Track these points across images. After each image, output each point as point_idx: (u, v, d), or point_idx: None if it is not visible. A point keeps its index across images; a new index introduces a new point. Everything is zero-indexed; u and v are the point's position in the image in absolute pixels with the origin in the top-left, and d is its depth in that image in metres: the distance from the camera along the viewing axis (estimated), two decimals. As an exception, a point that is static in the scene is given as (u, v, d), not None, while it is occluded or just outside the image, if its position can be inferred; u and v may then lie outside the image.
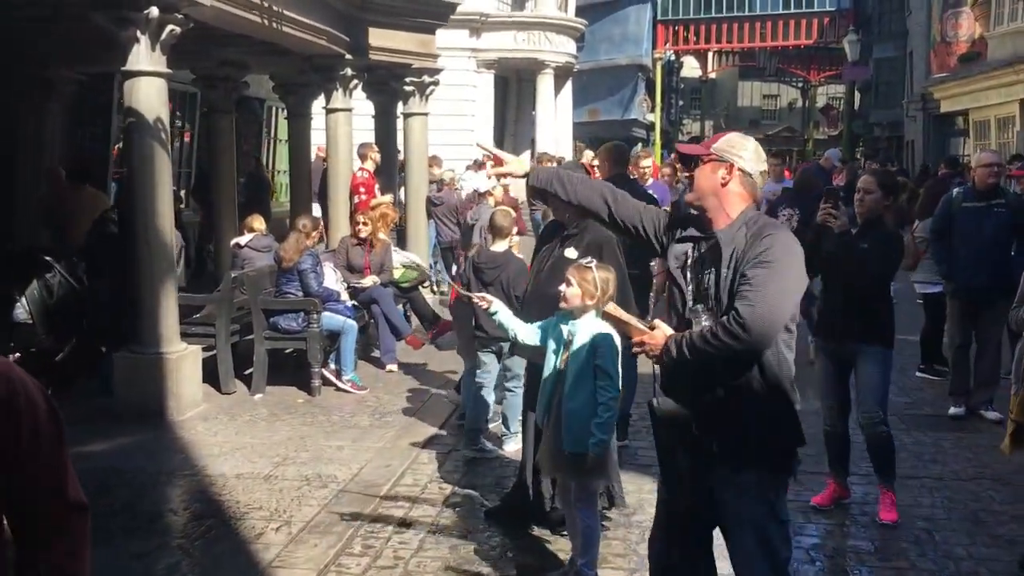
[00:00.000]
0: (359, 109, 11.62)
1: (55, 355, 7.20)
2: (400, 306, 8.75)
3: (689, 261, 2.93)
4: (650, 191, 7.46)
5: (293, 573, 4.23)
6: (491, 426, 6.16)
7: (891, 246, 4.88)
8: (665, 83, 33.79)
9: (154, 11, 6.38)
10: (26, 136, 10.45)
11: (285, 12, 8.16)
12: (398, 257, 8.98)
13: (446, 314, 8.33)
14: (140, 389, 6.63)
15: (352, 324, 7.52)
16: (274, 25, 8.04)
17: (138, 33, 6.45)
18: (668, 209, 3.21)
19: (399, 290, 8.78)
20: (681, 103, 50.76)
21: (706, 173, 2.92)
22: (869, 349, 4.78)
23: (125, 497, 5.19)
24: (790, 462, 2.90)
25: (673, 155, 14.00)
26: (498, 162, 3.25)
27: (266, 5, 7.74)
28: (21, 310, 7.01)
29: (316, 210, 11.24)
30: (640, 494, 5.02)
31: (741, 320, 2.66)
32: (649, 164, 9.93)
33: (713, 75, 50.23)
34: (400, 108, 12.19)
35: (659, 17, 41.95)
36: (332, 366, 7.58)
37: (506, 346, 5.66)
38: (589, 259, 3.98)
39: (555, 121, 22.94)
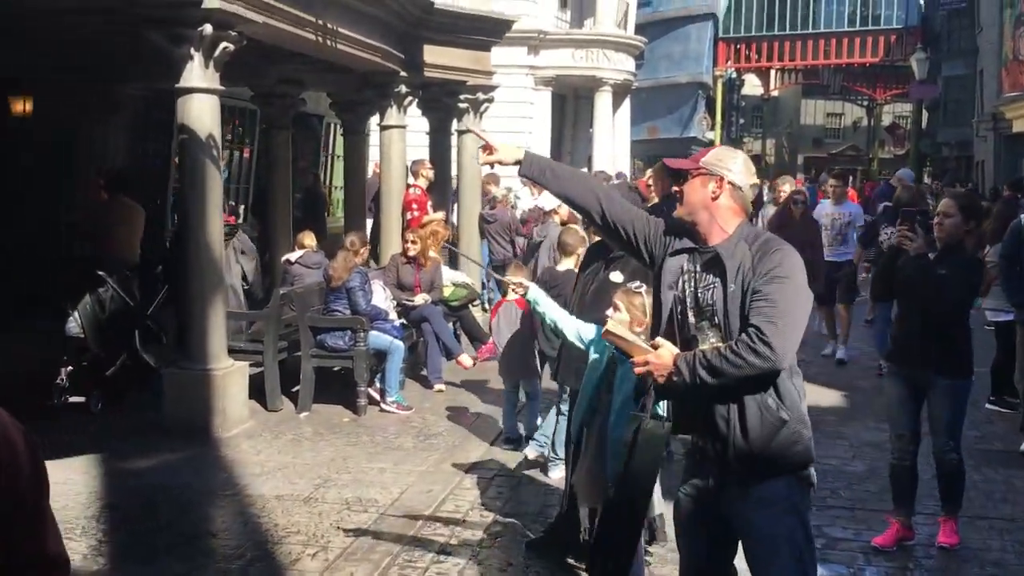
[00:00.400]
0: (415, 126, 11.62)
1: (106, 369, 7.26)
2: (450, 324, 8.66)
3: (685, 275, 2.82)
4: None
5: (327, 602, 4.13)
6: (531, 453, 6.02)
7: (971, 272, 4.70)
8: (726, 101, 33.43)
9: (208, 28, 6.41)
10: (90, 151, 10.66)
11: (339, 29, 8.16)
12: (448, 275, 8.89)
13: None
14: (187, 405, 6.63)
15: (399, 344, 7.44)
16: (328, 42, 8.04)
17: (191, 50, 6.48)
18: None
19: (449, 308, 8.69)
20: (742, 121, 50.11)
21: (696, 187, 2.85)
22: (944, 380, 4.61)
23: (169, 515, 5.19)
24: (809, 469, 2.81)
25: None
26: (490, 150, 3.13)
27: (319, 23, 7.75)
28: (73, 324, 7.08)
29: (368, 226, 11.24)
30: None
31: (764, 337, 2.56)
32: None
33: (775, 93, 49.56)
34: (455, 125, 12.16)
35: (720, 34, 41.47)
36: (378, 385, 7.50)
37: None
38: (638, 283, 3.83)
39: (613, 139, 22.77)
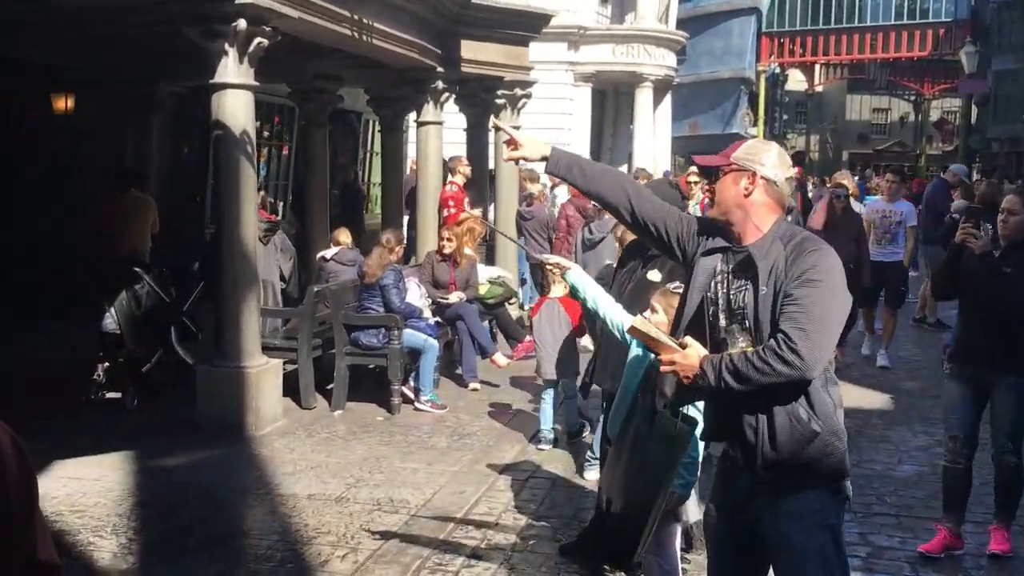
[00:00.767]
0: (452, 122, 11.52)
1: (142, 365, 7.27)
2: (486, 323, 8.56)
3: (718, 276, 2.68)
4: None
5: (355, 605, 4.05)
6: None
7: None
8: (769, 96, 32.95)
9: (242, 24, 6.37)
10: (128, 149, 10.73)
11: (375, 25, 8.10)
12: (484, 272, 8.79)
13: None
14: (221, 403, 6.61)
15: (433, 343, 7.36)
16: (364, 38, 7.98)
17: (226, 46, 6.45)
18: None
19: (484, 306, 8.59)
20: (786, 117, 49.48)
21: (728, 184, 2.71)
22: (1008, 380, 4.48)
23: (201, 513, 5.16)
24: (844, 483, 2.67)
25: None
26: (514, 145, 3.00)
27: (355, 18, 7.68)
28: (110, 320, 7.10)
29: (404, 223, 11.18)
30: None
31: (793, 344, 2.42)
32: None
33: (820, 88, 48.86)
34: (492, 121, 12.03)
35: (764, 29, 40.97)
36: (412, 384, 7.43)
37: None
38: (677, 284, 3.68)
39: (653, 135, 22.55)
